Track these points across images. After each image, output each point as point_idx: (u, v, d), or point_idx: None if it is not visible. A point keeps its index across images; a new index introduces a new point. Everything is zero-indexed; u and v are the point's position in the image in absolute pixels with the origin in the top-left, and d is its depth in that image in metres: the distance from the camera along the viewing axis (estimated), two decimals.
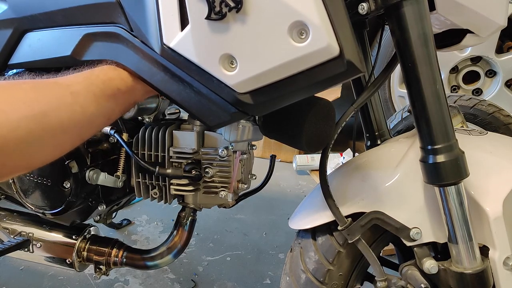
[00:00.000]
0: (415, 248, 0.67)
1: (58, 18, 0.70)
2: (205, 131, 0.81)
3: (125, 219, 1.74)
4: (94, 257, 0.94)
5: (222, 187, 0.83)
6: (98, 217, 1.03)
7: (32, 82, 0.53)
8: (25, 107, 0.48)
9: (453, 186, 0.60)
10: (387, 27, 0.62)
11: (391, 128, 1.42)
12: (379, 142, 0.86)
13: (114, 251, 0.93)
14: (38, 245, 0.95)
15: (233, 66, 0.52)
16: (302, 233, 0.77)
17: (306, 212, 0.76)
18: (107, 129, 0.83)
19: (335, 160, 2.19)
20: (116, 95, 0.59)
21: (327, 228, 0.73)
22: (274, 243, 1.61)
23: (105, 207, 0.91)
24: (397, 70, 2.02)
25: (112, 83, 0.59)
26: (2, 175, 0.50)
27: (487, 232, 0.63)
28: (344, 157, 2.20)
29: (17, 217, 1.00)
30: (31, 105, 0.49)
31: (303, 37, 0.47)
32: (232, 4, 0.47)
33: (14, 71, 0.84)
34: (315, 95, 0.61)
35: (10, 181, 0.88)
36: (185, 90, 0.59)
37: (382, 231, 0.71)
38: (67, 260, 0.94)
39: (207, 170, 0.81)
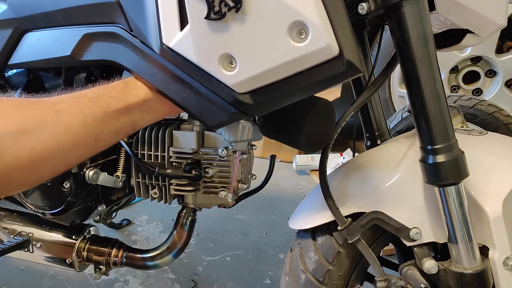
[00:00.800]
0: (415, 248, 0.67)
1: (58, 18, 0.70)
2: (205, 131, 0.81)
3: (125, 219, 1.74)
4: (94, 257, 0.94)
5: (222, 187, 0.83)
6: (98, 217, 1.03)
7: (15, 100, 0.50)
8: (3, 122, 0.46)
9: (453, 186, 0.60)
10: (387, 27, 0.62)
11: (391, 128, 1.42)
12: (379, 142, 0.86)
13: (114, 251, 0.93)
14: (38, 245, 0.95)
15: (233, 66, 0.52)
16: (302, 233, 0.77)
17: (306, 212, 0.76)
18: None
19: (335, 160, 2.19)
20: (106, 113, 0.54)
21: (327, 228, 0.73)
22: (274, 243, 1.61)
23: (105, 207, 0.91)
24: (397, 70, 2.02)
25: (101, 99, 0.55)
26: None
27: (487, 232, 0.63)
28: (344, 157, 2.20)
29: (17, 217, 1.00)
30: (9, 122, 0.46)
31: (302, 37, 0.47)
32: (231, 4, 0.47)
33: (14, 71, 0.84)
34: (315, 95, 0.61)
35: None
36: (185, 90, 0.58)
37: (382, 231, 0.71)
38: (67, 260, 0.94)
39: (207, 170, 0.81)
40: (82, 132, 0.52)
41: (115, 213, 1.12)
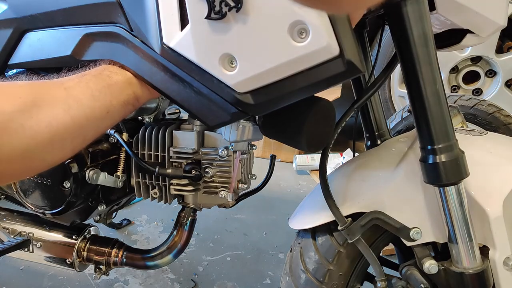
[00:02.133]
0: (415, 248, 0.67)
1: (58, 18, 0.70)
2: (205, 131, 0.81)
3: (125, 219, 1.74)
4: (94, 257, 0.94)
5: (222, 187, 0.83)
6: (98, 217, 1.03)
7: (28, 82, 0.54)
8: (19, 101, 0.49)
9: (453, 186, 0.60)
10: (387, 27, 0.62)
11: (391, 128, 1.42)
12: (379, 142, 0.86)
13: (114, 251, 0.93)
14: (38, 245, 0.95)
15: (233, 65, 0.52)
16: (302, 233, 0.77)
17: (306, 212, 0.76)
18: None
19: (335, 160, 2.19)
20: (110, 85, 0.59)
21: (327, 228, 0.73)
22: (274, 243, 1.61)
23: (105, 207, 0.91)
24: (397, 70, 2.02)
25: (103, 74, 0.60)
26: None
27: (487, 232, 0.63)
28: (344, 157, 2.20)
29: (17, 217, 1.00)
30: (25, 99, 0.49)
31: (303, 36, 0.47)
32: (232, 4, 0.47)
33: (14, 71, 0.84)
34: (315, 95, 0.61)
35: None
36: (185, 90, 0.59)
37: (382, 231, 0.71)
38: (67, 260, 0.94)
39: (207, 170, 0.81)
40: (92, 105, 0.56)
41: (115, 213, 1.12)
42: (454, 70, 2.08)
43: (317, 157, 2.24)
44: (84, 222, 0.96)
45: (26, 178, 0.84)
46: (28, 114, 0.49)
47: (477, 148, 0.68)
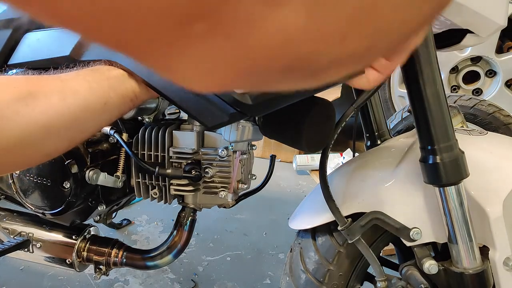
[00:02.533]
0: (415, 248, 0.67)
1: None
2: (205, 131, 0.81)
3: (125, 219, 1.74)
4: (94, 257, 0.94)
5: (222, 187, 0.83)
6: (98, 217, 1.03)
7: (25, 75, 0.55)
8: (15, 90, 0.49)
9: (453, 186, 0.60)
10: None
11: (391, 128, 1.42)
12: (379, 142, 0.85)
13: (114, 251, 0.93)
14: (38, 245, 0.95)
15: None
16: (302, 233, 0.77)
17: (306, 212, 0.76)
18: (106, 129, 0.83)
19: (335, 160, 2.19)
20: (109, 78, 0.59)
21: (327, 228, 0.73)
22: (274, 243, 1.61)
23: (105, 207, 0.91)
24: (397, 70, 2.02)
25: (101, 68, 0.60)
26: None
27: (487, 232, 0.62)
28: (344, 157, 2.20)
29: (17, 217, 1.00)
30: (20, 88, 0.50)
31: None
32: None
33: (14, 71, 0.84)
34: (315, 95, 0.61)
35: (10, 181, 0.88)
36: (183, 90, 0.58)
37: (382, 231, 0.71)
38: (67, 260, 0.94)
39: (207, 170, 0.81)
40: (89, 97, 0.55)
41: (115, 213, 1.12)
42: (454, 70, 2.08)
43: (317, 157, 2.24)
44: (84, 222, 0.96)
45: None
46: (23, 102, 0.49)
47: (477, 148, 0.68)
